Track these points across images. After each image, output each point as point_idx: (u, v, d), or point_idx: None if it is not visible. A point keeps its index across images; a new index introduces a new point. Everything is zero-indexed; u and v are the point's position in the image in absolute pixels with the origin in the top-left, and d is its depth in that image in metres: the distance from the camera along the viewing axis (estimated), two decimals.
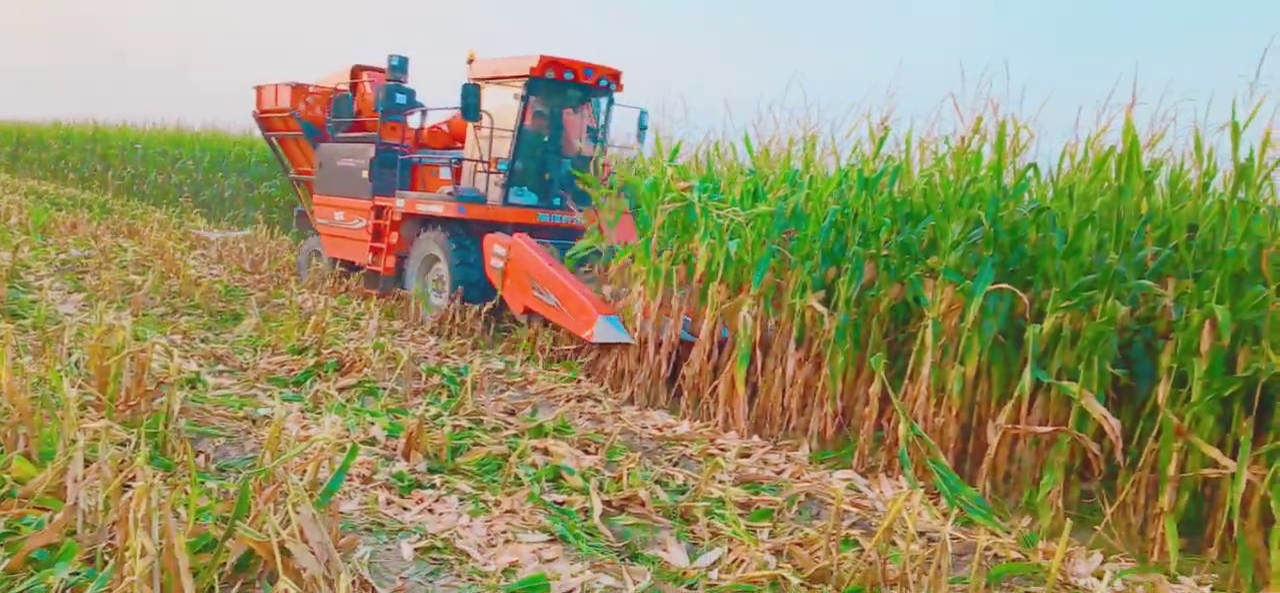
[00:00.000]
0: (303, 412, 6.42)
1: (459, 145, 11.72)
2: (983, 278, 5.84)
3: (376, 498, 4.91)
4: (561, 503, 5.12)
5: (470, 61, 10.70)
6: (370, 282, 11.69)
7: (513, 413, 7.04)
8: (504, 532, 4.65)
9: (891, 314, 6.75)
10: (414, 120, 11.97)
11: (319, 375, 7.42)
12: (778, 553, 4.59)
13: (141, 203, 25.31)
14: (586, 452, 6.13)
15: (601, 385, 8.15)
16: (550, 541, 4.62)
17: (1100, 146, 5.86)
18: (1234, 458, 4.88)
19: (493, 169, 10.35)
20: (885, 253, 6.68)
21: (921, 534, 4.93)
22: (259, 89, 13.34)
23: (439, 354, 8.99)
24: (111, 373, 5.44)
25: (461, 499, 5.06)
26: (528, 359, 8.93)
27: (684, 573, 4.38)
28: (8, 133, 40.37)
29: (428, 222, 10.75)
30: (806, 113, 10.71)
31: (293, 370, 7.55)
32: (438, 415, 6.55)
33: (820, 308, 6.69)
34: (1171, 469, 5.08)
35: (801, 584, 4.27)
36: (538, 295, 8.83)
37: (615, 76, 10.43)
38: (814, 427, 6.70)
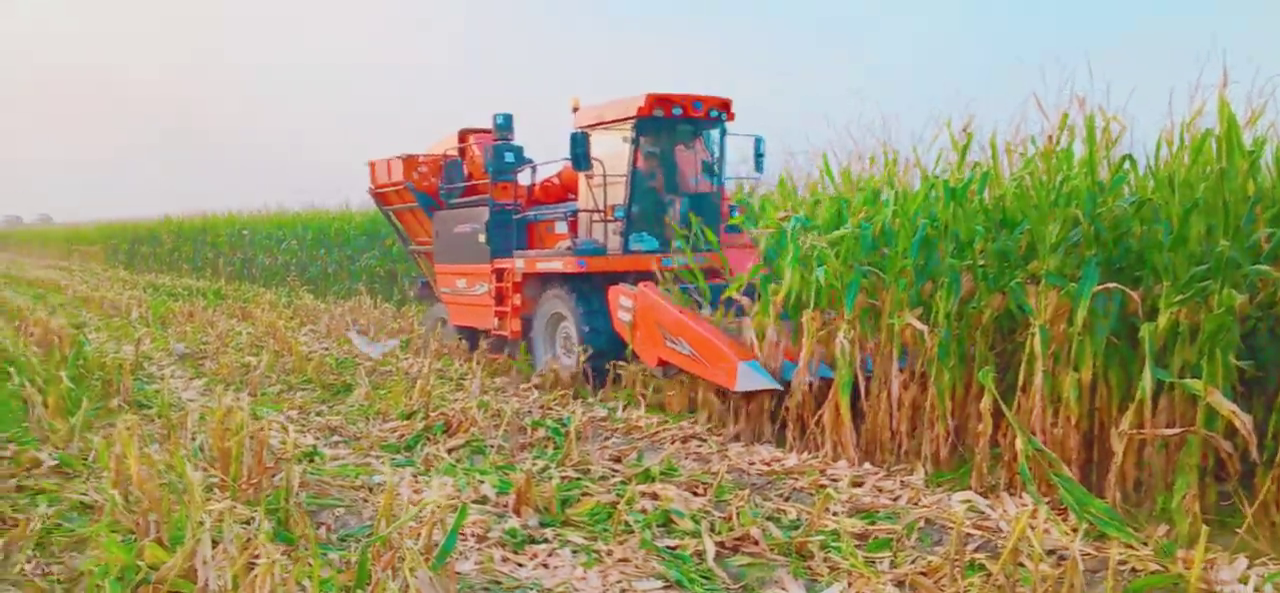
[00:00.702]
0: (414, 476, 6.55)
1: (572, 197, 11.43)
2: (1088, 279, 5.63)
3: (491, 557, 4.96)
4: (674, 548, 5.10)
5: (575, 109, 10.49)
6: (498, 346, 11.49)
7: (619, 460, 7.05)
8: (618, 582, 4.64)
9: (996, 326, 6.56)
10: (525, 177, 11.68)
11: (428, 438, 7.58)
12: (900, 584, 4.47)
13: (252, 285, 26.40)
14: (695, 494, 6.09)
15: (706, 424, 8.10)
16: (666, 587, 4.60)
17: (1196, 130, 5.61)
18: None
19: (609, 217, 10.04)
20: (981, 263, 6.51)
21: (1050, 552, 4.74)
22: (372, 165, 13.28)
23: (542, 407, 9.09)
24: (233, 454, 5.66)
25: (574, 551, 5.08)
26: (629, 404, 8.96)
27: None
28: (124, 232, 42.71)
29: (549, 279, 10.40)
30: (883, 126, 10.50)
31: (403, 436, 7.73)
32: (545, 468, 6.61)
33: (919, 325, 6.54)
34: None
35: None
36: (671, 346, 8.26)
37: (726, 106, 10.08)
38: (926, 449, 6.53)
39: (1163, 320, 5.37)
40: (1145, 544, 4.89)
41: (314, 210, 26.42)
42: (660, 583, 4.63)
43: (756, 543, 5.12)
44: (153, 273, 35.00)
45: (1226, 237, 5.27)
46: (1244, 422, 4.92)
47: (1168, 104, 5.96)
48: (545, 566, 4.91)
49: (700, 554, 4.97)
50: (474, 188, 11.95)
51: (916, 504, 5.78)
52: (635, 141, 9.82)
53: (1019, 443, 5.66)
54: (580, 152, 9.59)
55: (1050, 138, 6.29)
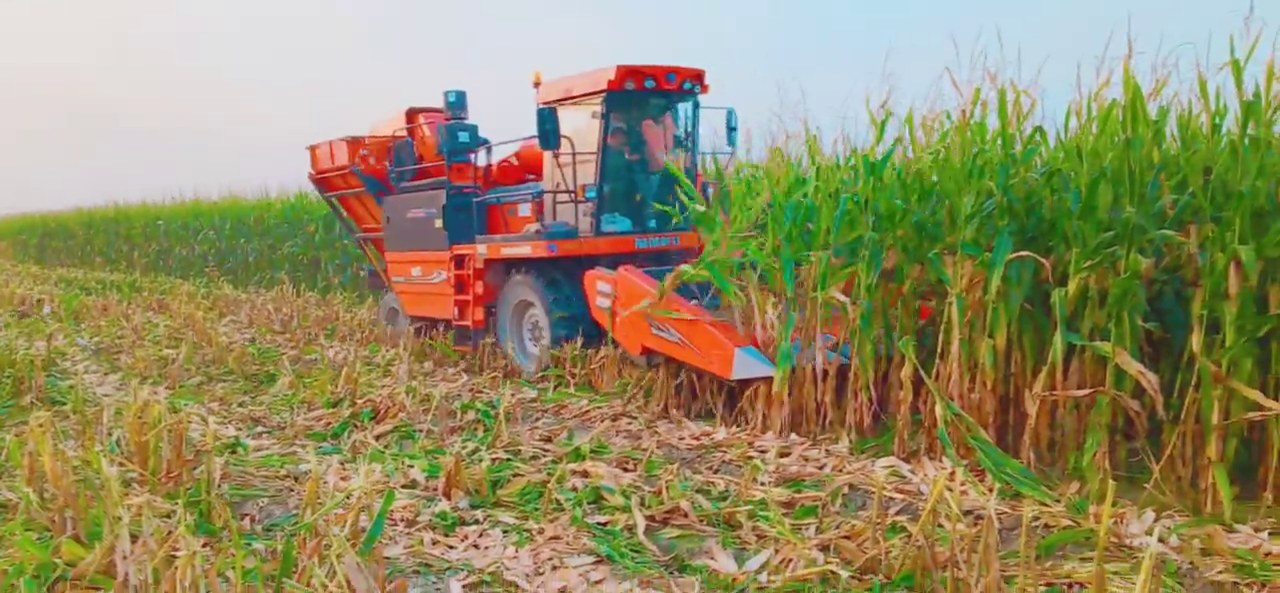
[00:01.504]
0: (342, 463, 6.47)
1: (532, 177, 11.04)
2: (1001, 248, 5.80)
3: (421, 540, 4.94)
4: (604, 524, 5.13)
5: (537, 84, 9.92)
6: (460, 338, 10.79)
7: (549, 440, 7.06)
8: (550, 559, 4.66)
9: (917, 296, 6.71)
10: (480, 158, 11.15)
11: (355, 426, 7.49)
12: (825, 548, 4.57)
13: (168, 277, 25.68)
14: (625, 470, 6.13)
15: (635, 402, 8.14)
16: (597, 562, 4.63)
17: (1103, 101, 5.81)
18: (1277, 398, 4.81)
19: (580, 198, 9.51)
20: (901, 235, 6.65)
21: (968, 512, 4.90)
22: (313, 149, 12.60)
23: (472, 390, 9.04)
24: (150, 447, 5.52)
25: (505, 531, 5.08)
26: (559, 385, 8.95)
27: (733, 579, 4.37)
28: (33, 225, 41.16)
29: (515, 265, 9.93)
30: (804, 106, 10.54)
31: (329, 424, 7.62)
32: (475, 451, 6.58)
33: (841, 298, 6.67)
34: (1215, 418, 5.01)
35: (851, 577, 4.25)
36: (657, 333, 7.66)
37: (699, 77, 9.58)
38: (850, 419, 6.67)
39: (1073, 286, 5.55)
40: (1058, 501, 5.08)
41: (232, 198, 25.76)
42: (591, 559, 4.66)
43: (686, 515, 5.18)
44: (64, 266, 33.81)
45: (1132, 203, 5.47)
46: (1151, 381, 5.13)
47: (1076, 76, 6.14)
48: (476, 546, 4.90)
49: (631, 529, 5.01)
50: (424, 171, 11.44)
51: (841, 472, 5.91)
52: (606, 117, 9.33)
53: (938, 409, 5.83)
54: (549, 128, 9.04)
55: (964, 112, 6.44)
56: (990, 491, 5.03)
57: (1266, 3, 4.97)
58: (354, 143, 11.85)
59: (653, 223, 9.76)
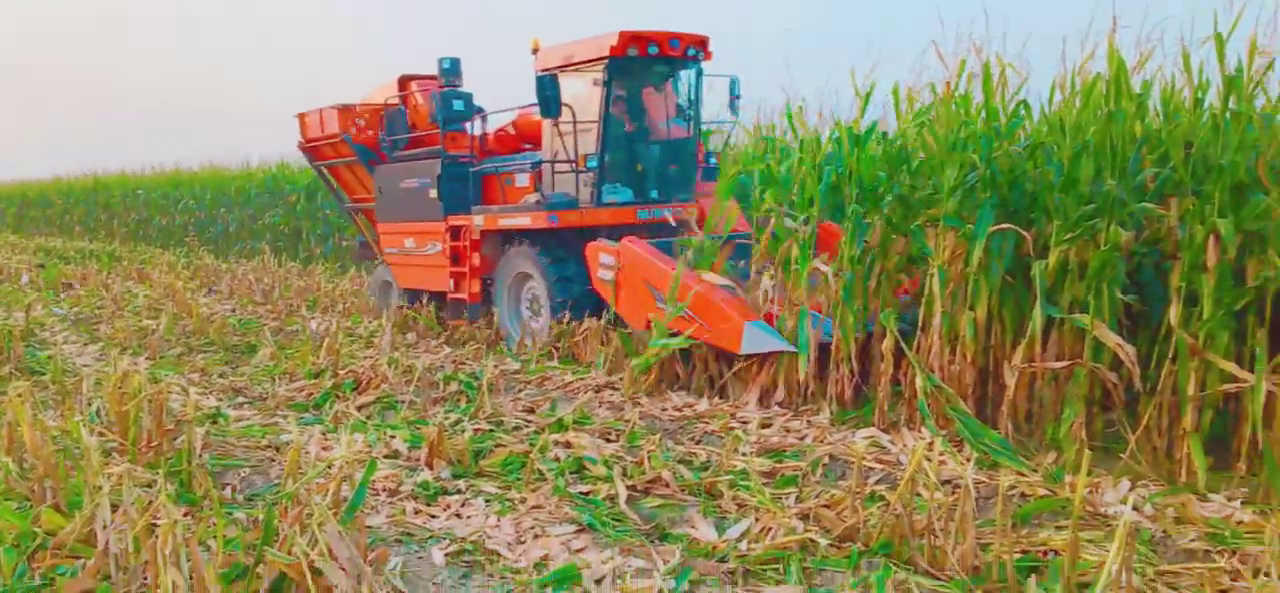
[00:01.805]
0: (324, 433, 6.46)
1: (529, 147, 10.74)
2: (984, 221, 5.82)
3: (403, 509, 4.95)
4: (587, 493, 5.16)
5: (535, 51, 9.54)
6: (455, 311, 10.47)
7: (532, 410, 7.07)
8: (532, 528, 4.68)
9: (901, 268, 6.73)
10: (474, 127, 10.76)
11: (337, 396, 7.47)
12: (805, 517, 4.60)
13: (148, 247, 25.47)
14: (608, 440, 6.15)
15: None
16: (578, 530, 4.66)
17: (1087, 75, 5.82)
18: (1252, 370, 4.87)
19: (582, 167, 9.21)
20: (885, 209, 6.66)
21: (946, 482, 4.95)
22: (302, 117, 12.20)
23: (455, 361, 9.03)
24: (131, 417, 5.50)
25: (488, 500, 5.10)
26: (543, 355, 8.96)
27: (714, 547, 4.40)
28: (11, 195, 40.71)
29: (513, 237, 9.67)
30: (788, 77, 10.51)
31: (311, 394, 7.61)
32: (457, 421, 6.59)
33: (824, 269, 6.69)
34: (1191, 389, 5.07)
35: (830, 545, 4.29)
36: (665, 306, 7.46)
37: (703, 44, 9.24)
38: (832, 390, 6.70)
39: (1053, 258, 5.59)
40: (1035, 471, 5.13)
41: (212, 168, 25.54)
42: (573, 527, 4.68)
43: (667, 485, 5.21)
44: (43, 236, 33.48)
45: (1113, 177, 5.50)
46: (1128, 353, 5.18)
47: (1062, 50, 6.16)
48: (458, 515, 4.92)
49: (613, 498, 5.03)
50: (418, 140, 11.12)
51: (822, 442, 5.94)
52: (608, 84, 9.01)
53: (918, 380, 5.87)
54: (550, 95, 8.72)
55: (949, 85, 6.45)
56: (968, 460, 5.07)
57: None
58: (345, 111, 11.48)
59: (654, 194, 9.49)
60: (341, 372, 7.89)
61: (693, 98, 9.64)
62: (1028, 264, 5.77)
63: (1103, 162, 5.58)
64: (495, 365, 8.21)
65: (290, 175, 20.83)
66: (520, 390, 7.87)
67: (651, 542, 4.52)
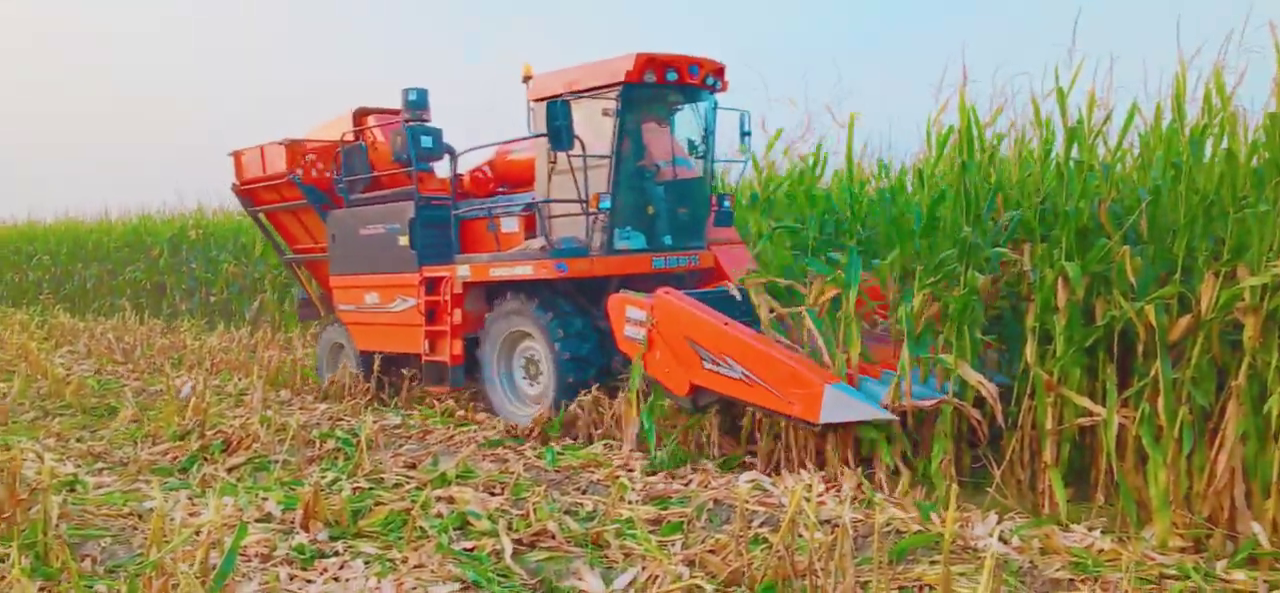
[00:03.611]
0: (191, 499, 6.16)
1: (504, 189, 9.66)
2: (853, 266, 6.02)
3: (277, 575, 4.75)
4: (471, 549, 5.07)
5: (527, 79, 8.49)
6: (432, 375, 9.11)
7: (413, 466, 6.93)
8: (414, 588, 4.57)
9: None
10: (442, 168, 9.60)
11: (205, 459, 7.16)
12: (691, 563, 4.64)
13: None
14: (492, 494, 6.07)
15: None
16: (463, 588, 4.57)
17: (942, 126, 6.16)
18: (1103, 405, 5.17)
19: (594, 208, 8.01)
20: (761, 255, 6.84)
21: (825, 522, 5.07)
22: (237, 155, 10.86)
23: (331, 418, 8.78)
24: None
25: (367, 562, 4.95)
26: (423, 411, 8.79)
27: None
28: None
29: (505, 290, 8.50)
30: None
31: (177, 458, 7.27)
32: (335, 480, 6.40)
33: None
34: (1049, 424, 5.34)
35: (716, 590, 4.33)
36: (713, 368, 6.42)
37: (721, 72, 8.33)
38: (714, 436, 6.79)
39: (917, 301, 5.83)
40: (908, 508, 5.31)
41: (68, 220, 24.26)
42: (457, 585, 4.59)
43: (553, 537, 5.18)
44: None
45: (969, 223, 5.80)
46: (990, 390, 5.43)
47: (922, 103, 6.51)
48: (336, 579, 4.75)
49: (498, 553, 4.96)
50: (377, 180, 9.91)
51: (707, 488, 6.01)
52: (621, 114, 7.95)
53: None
54: (561, 125, 7.59)
55: (803, 157, 6.71)
56: (844, 500, 5.22)
57: (1086, 35, 5.38)
58: (294, 147, 10.16)
59: (667, 239, 8.43)
60: (210, 433, 7.57)
61: (707, 131, 8.64)
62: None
63: (959, 209, 5.88)
64: (375, 421, 8.02)
65: (153, 227, 19.98)
66: (401, 446, 7.71)
67: None
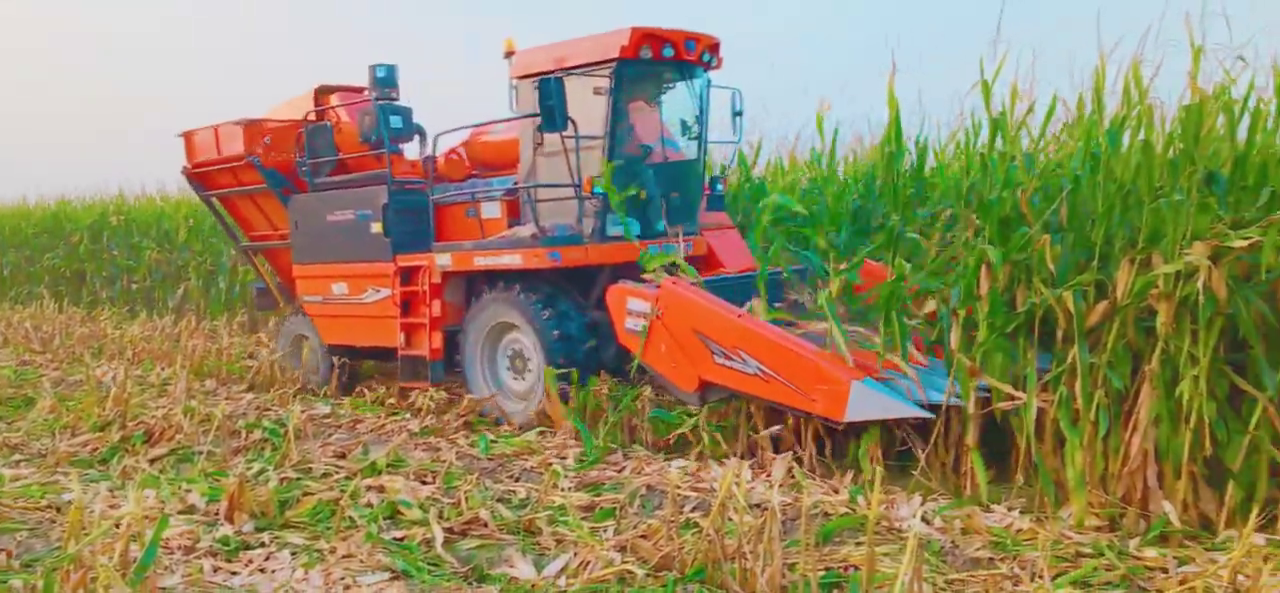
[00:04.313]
0: (111, 491, 6.00)
1: (480, 172, 9.06)
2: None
3: (201, 567, 4.67)
4: (401, 538, 5.03)
5: (509, 54, 8.04)
6: (409, 370, 8.55)
7: (343, 456, 6.83)
8: (342, 578, 4.52)
9: None
10: (411, 149, 9.12)
11: (127, 450, 6.97)
12: (623, 549, 4.66)
13: None
14: (423, 483, 6.03)
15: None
16: (393, 578, 4.53)
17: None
18: (1024, 390, 5.30)
19: (588, 193, 7.53)
20: None
21: (755, 506, 5.13)
22: (189, 136, 10.14)
23: (259, 408, 8.62)
24: None
25: (294, 553, 4.88)
26: (354, 401, 8.67)
27: (533, 585, 4.39)
28: None
29: (488, 279, 8.03)
30: None
31: (97, 449, 7.06)
32: (261, 471, 6.28)
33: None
34: (971, 408, 5.46)
35: (647, 575, 4.36)
36: (725, 363, 6.07)
37: (716, 48, 7.90)
38: (648, 424, 6.82)
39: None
40: (837, 491, 5.40)
41: None
42: (387, 575, 4.55)
43: (485, 525, 5.16)
44: None
45: (896, 212, 5.90)
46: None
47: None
48: (262, 570, 4.68)
49: (429, 542, 4.93)
50: (344, 164, 9.40)
51: (640, 474, 6.05)
52: (615, 91, 7.49)
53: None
54: (553, 104, 7.10)
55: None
56: (774, 484, 5.29)
57: (1013, 25, 5.50)
58: (253, 127, 9.47)
59: (660, 226, 7.85)
60: (131, 423, 7.37)
61: (702, 111, 8.21)
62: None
63: (887, 198, 5.98)
64: (303, 411, 7.89)
65: (72, 213, 19.32)
66: (330, 435, 7.60)
67: (470, 584, 4.46)
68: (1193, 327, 4.70)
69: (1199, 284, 4.56)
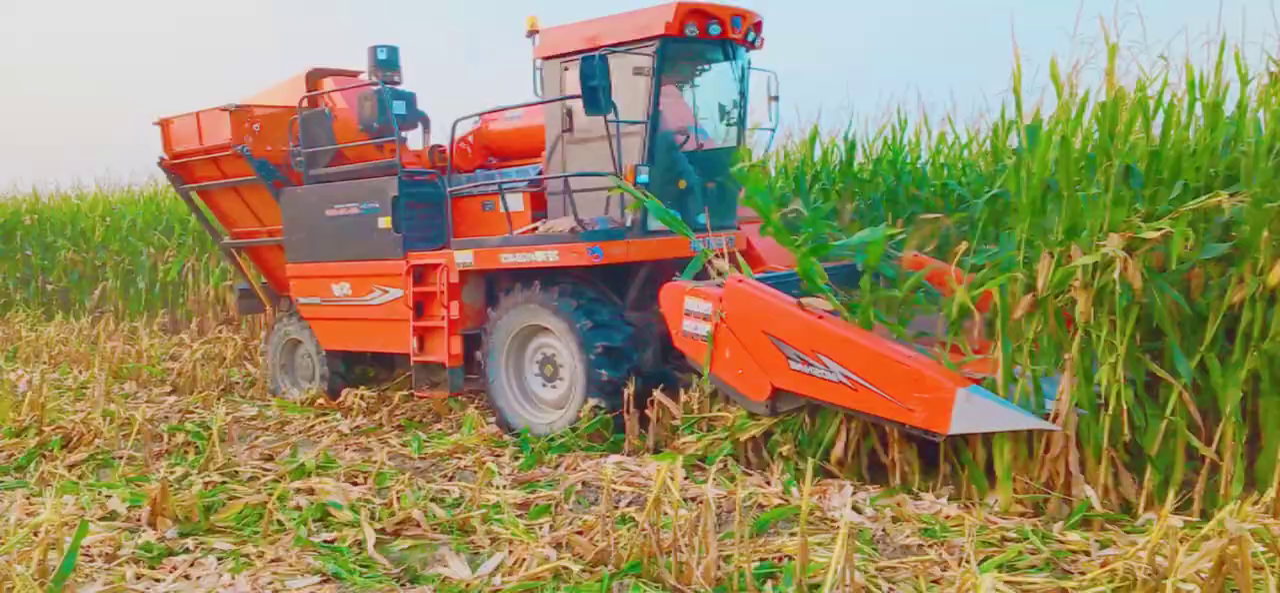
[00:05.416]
0: (28, 498, 5.79)
1: (493, 163, 8.40)
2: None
3: (123, 575, 4.52)
4: (332, 541, 4.94)
5: (533, 32, 7.47)
6: (424, 378, 7.87)
7: (271, 458, 6.69)
8: (270, 583, 4.42)
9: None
10: (414, 138, 8.52)
11: (43, 456, 6.74)
12: (558, 546, 4.65)
13: None
14: (354, 484, 5.93)
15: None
16: (323, 581, 4.45)
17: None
18: None
19: (631, 181, 6.86)
20: None
21: (691, 499, 5.15)
22: (166, 124, 9.37)
23: (182, 412, 8.39)
24: None
25: (220, 558, 4.76)
26: (280, 402, 8.50)
27: (467, 585, 4.35)
28: None
29: (513, 278, 7.27)
30: None
31: (12, 456, 6.82)
32: (185, 476, 6.12)
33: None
34: None
35: (583, 570, 4.35)
36: (803, 369, 5.49)
37: (759, 27, 7.32)
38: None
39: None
40: (770, 484, 5.46)
41: None
42: (317, 578, 4.47)
43: (418, 525, 5.10)
44: None
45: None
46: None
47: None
48: (187, 577, 4.55)
49: (360, 544, 4.86)
50: (340, 154, 8.60)
51: (575, 470, 6.03)
52: (657, 72, 6.85)
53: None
54: (598, 85, 6.47)
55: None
56: (708, 478, 5.32)
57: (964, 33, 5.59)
58: (240, 114, 8.70)
59: (701, 218, 6.97)
60: (48, 428, 7.13)
61: (742, 94, 7.56)
62: None
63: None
64: (228, 413, 7.70)
65: None
66: (257, 438, 7.44)
67: (402, 586, 4.40)
68: (1110, 316, 4.84)
69: (1115, 275, 4.70)
